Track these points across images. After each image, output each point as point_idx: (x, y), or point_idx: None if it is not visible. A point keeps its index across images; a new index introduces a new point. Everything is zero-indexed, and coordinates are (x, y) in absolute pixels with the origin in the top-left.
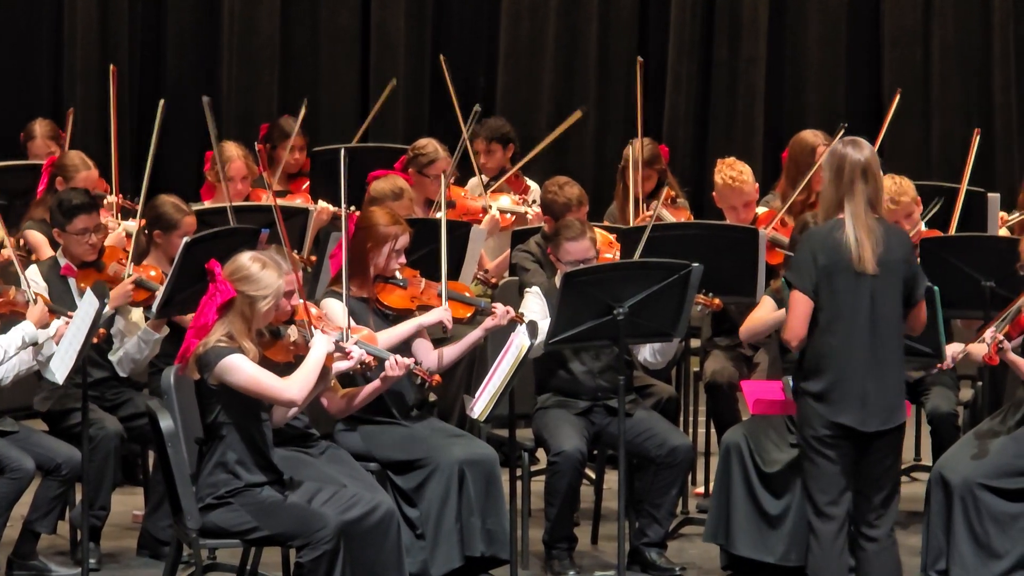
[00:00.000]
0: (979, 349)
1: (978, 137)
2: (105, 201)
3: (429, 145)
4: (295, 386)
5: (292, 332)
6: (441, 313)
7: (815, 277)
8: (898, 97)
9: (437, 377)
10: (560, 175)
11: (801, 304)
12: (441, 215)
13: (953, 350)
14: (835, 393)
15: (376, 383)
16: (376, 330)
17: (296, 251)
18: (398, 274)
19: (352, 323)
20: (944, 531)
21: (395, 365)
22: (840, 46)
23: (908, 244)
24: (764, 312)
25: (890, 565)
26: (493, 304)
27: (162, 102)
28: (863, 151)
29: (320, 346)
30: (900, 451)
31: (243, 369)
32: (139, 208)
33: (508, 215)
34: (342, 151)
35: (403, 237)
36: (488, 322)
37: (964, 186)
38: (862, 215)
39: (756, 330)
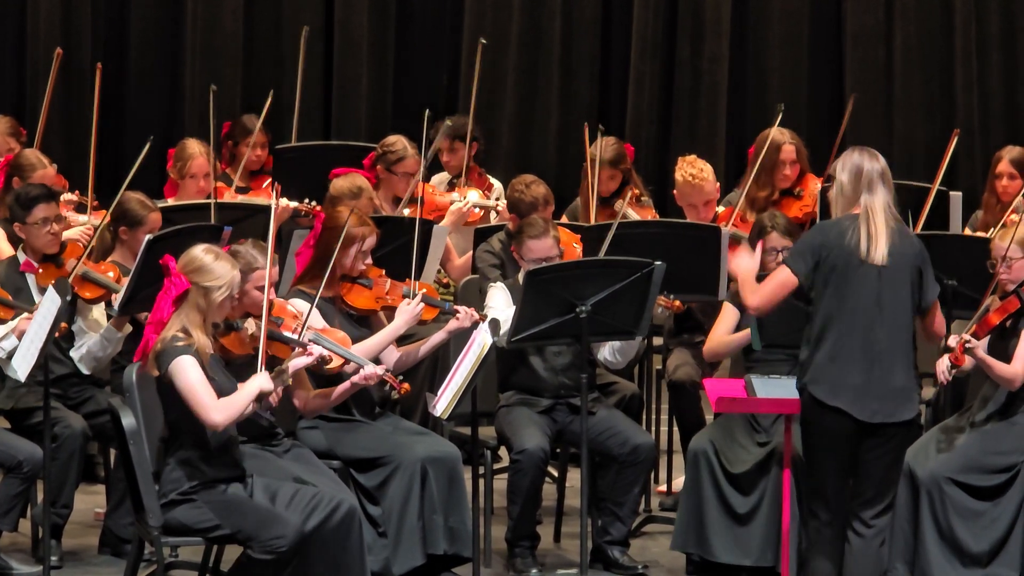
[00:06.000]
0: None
1: (955, 139)
2: (64, 197)
3: (398, 143)
4: (221, 412)
5: (250, 325)
6: (412, 314)
7: (812, 263)
8: (852, 102)
9: (406, 386)
10: (524, 174)
11: (782, 276)
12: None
13: (942, 367)
14: (834, 381)
15: (346, 385)
16: (341, 329)
17: None
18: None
19: (325, 326)
20: (909, 524)
21: (368, 372)
22: (802, 46)
23: (920, 249)
24: (725, 327)
25: (872, 562)
26: (457, 306)
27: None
28: (879, 161)
29: (257, 381)
30: (902, 451)
31: (185, 376)
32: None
33: (477, 209)
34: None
35: (370, 238)
36: (452, 324)
37: (936, 186)
38: (880, 211)
39: (718, 352)
